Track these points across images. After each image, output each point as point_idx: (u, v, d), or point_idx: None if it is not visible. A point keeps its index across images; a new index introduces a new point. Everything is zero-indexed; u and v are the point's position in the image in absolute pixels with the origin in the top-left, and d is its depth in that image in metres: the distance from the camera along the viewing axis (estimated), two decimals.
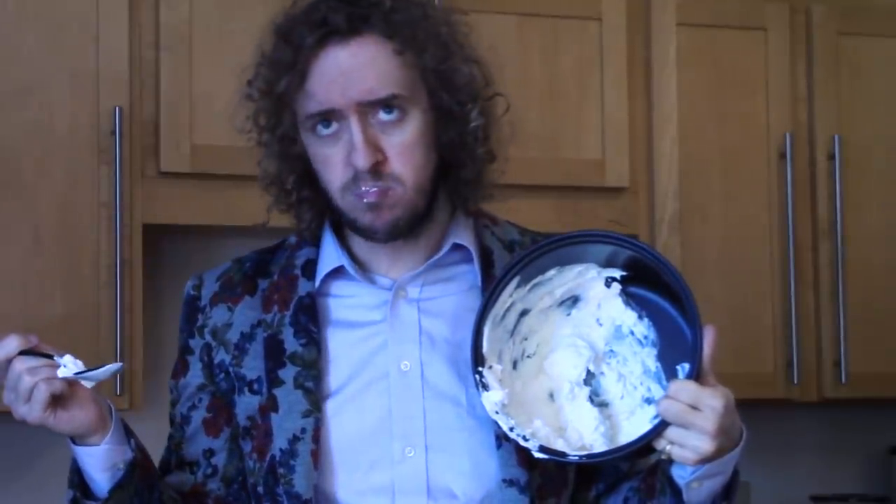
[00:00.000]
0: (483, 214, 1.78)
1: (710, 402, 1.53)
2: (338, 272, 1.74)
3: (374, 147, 1.63)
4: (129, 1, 2.86)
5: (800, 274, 3.31)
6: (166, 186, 2.89)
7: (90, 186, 2.82)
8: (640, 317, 1.67)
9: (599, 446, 1.62)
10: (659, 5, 3.26)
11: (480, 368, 1.64)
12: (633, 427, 1.63)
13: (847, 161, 3.35)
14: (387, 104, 1.64)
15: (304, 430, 1.68)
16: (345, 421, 1.69)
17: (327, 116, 1.65)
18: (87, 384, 1.63)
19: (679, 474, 1.61)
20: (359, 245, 1.75)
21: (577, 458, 1.60)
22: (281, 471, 1.68)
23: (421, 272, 1.72)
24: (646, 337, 1.67)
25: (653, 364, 1.66)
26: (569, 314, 1.71)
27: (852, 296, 3.33)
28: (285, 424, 1.68)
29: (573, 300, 1.71)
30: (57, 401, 1.61)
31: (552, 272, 1.69)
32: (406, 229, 1.68)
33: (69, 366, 1.61)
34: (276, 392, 1.70)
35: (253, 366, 1.73)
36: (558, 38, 3.17)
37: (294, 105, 1.67)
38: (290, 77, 1.65)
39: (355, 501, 1.67)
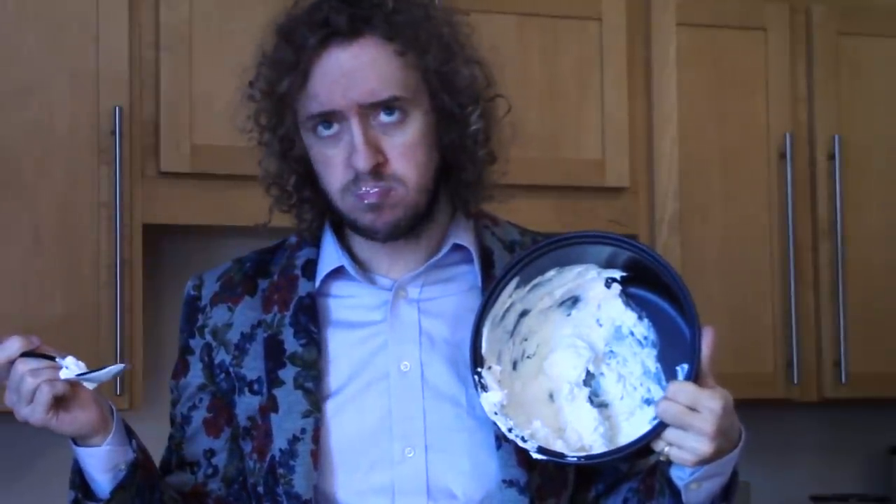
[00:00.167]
0: (483, 215, 1.78)
1: (709, 404, 1.53)
2: (338, 272, 1.74)
3: (375, 148, 1.63)
4: (129, 1, 2.86)
5: (800, 274, 3.31)
6: (166, 186, 2.89)
7: (90, 186, 2.82)
8: (639, 317, 1.67)
9: (598, 447, 1.62)
10: (659, 5, 3.26)
11: (479, 369, 1.64)
12: (632, 428, 1.63)
13: (847, 161, 3.35)
14: (388, 105, 1.64)
15: (303, 431, 1.68)
16: (345, 421, 1.69)
17: (328, 117, 1.65)
18: (90, 385, 1.63)
19: (678, 475, 1.61)
20: (359, 245, 1.75)
21: (575, 459, 1.60)
22: (281, 471, 1.68)
23: (421, 272, 1.73)
24: (646, 338, 1.67)
25: (652, 365, 1.66)
26: (569, 315, 1.71)
27: (852, 296, 3.33)
28: (285, 425, 1.69)
29: (573, 301, 1.71)
30: (59, 402, 1.61)
31: (552, 273, 1.69)
32: (407, 229, 1.68)
33: (72, 367, 1.61)
34: (276, 392, 1.70)
35: (253, 366, 1.73)
36: (558, 38, 3.17)
37: (295, 105, 1.67)
38: (291, 77, 1.65)
39: (355, 502, 1.67)
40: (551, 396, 1.68)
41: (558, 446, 1.62)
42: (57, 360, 1.61)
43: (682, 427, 1.53)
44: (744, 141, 3.31)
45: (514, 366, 1.69)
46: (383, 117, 1.64)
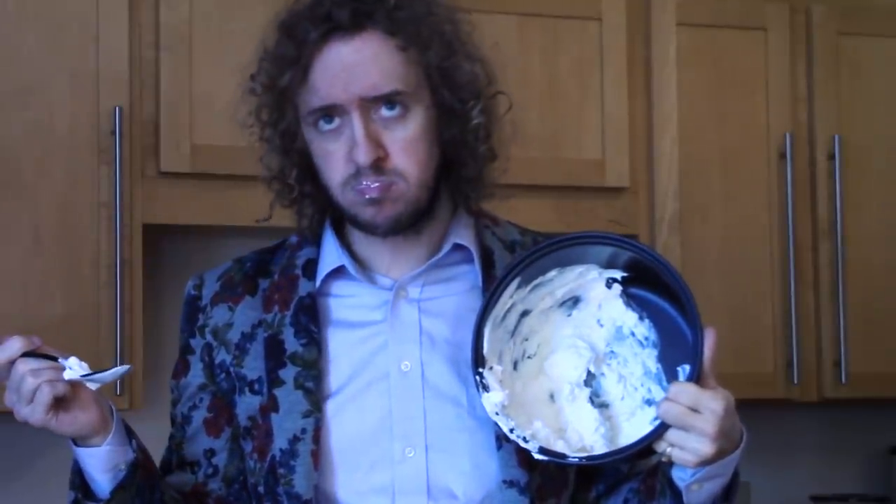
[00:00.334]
0: (484, 214, 1.78)
1: (710, 405, 1.53)
2: (338, 272, 1.74)
3: (376, 143, 1.63)
4: (129, 1, 2.86)
5: (800, 274, 3.31)
6: (166, 186, 2.89)
7: (90, 186, 2.82)
8: (640, 318, 1.67)
9: (599, 448, 1.62)
10: (659, 5, 3.26)
11: (481, 369, 1.64)
12: (633, 428, 1.63)
13: (847, 161, 3.35)
14: (389, 100, 1.64)
15: (304, 431, 1.68)
16: (345, 421, 1.69)
17: (329, 112, 1.65)
18: (93, 386, 1.63)
19: (679, 476, 1.61)
20: (360, 244, 1.75)
21: (576, 459, 1.60)
22: (281, 471, 1.68)
23: (422, 272, 1.72)
24: (646, 338, 1.67)
25: (653, 365, 1.66)
26: (569, 315, 1.71)
27: (852, 296, 3.33)
28: (285, 424, 1.68)
29: (574, 301, 1.71)
30: (59, 403, 1.61)
31: (553, 273, 1.68)
32: (407, 224, 1.68)
33: (75, 368, 1.61)
34: (277, 392, 1.70)
35: (253, 366, 1.73)
36: (558, 38, 3.17)
37: (296, 100, 1.67)
38: (293, 72, 1.65)
39: (355, 501, 1.67)
40: (552, 397, 1.68)
41: (559, 447, 1.61)
42: (59, 360, 1.61)
43: (684, 428, 1.53)
44: (744, 141, 3.31)
45: (515, 366, 1.69)
46: (384, 112, 1.64)
